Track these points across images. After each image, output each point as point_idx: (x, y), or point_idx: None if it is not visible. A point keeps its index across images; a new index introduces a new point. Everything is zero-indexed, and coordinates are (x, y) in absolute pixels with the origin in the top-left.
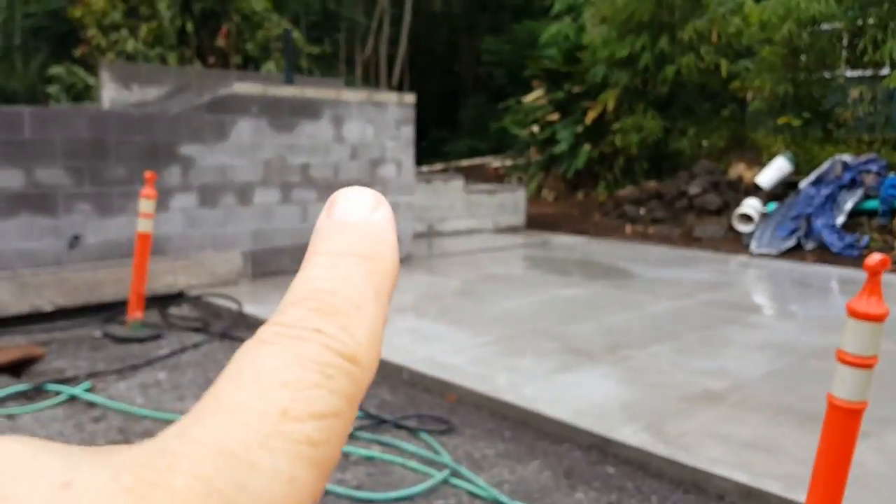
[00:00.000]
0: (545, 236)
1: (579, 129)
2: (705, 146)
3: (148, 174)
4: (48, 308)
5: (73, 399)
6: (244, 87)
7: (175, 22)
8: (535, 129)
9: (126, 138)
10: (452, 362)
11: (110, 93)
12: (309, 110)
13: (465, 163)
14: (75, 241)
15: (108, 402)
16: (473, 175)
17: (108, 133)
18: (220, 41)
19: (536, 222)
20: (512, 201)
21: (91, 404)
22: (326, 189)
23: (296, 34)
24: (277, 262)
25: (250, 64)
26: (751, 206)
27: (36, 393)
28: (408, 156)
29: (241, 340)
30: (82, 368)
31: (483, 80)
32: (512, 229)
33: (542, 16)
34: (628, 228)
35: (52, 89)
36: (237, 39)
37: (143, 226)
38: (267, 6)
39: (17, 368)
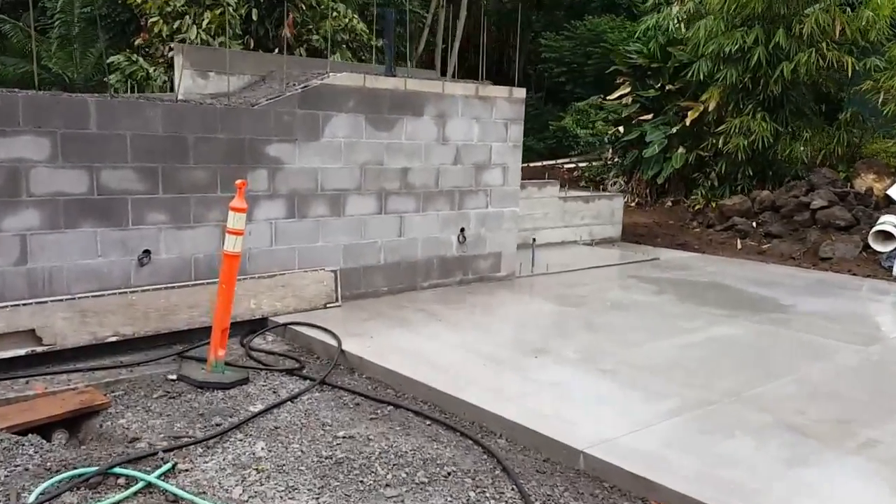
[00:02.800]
0: (647, 250)
1: (673, 130)
2: (822, 153)
3: (239, 182)
4: (112, 339)
5: (148, 487)
6: (341, 77)
7: (240, 10)
8: (621, 129)
9: (207, 135)
10: (642, 446)
11: (186, 82)
12: (410, 106)
13: (531, 164)
14: (146, 257)
15: (199, 501)
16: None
17: (186, 128)
18: (286, 31)
19: (630, 233)
20: (609, 210)
21: (174, 501)
22: (427, 198)
23: (360, 26)
24: (370, 282)
25: (315, 57)
26: (891, 222)
27: (101, 477)
28: (515, 160)
29: (347, 391)
30: (157, 430)
31: (532, 79)
32: (608, 241)
33: (603, 12)
34: (739, 243)
35: (112, 78)
36: (302, 30)
37: (231, 245)
38: None
39: (75, 422)
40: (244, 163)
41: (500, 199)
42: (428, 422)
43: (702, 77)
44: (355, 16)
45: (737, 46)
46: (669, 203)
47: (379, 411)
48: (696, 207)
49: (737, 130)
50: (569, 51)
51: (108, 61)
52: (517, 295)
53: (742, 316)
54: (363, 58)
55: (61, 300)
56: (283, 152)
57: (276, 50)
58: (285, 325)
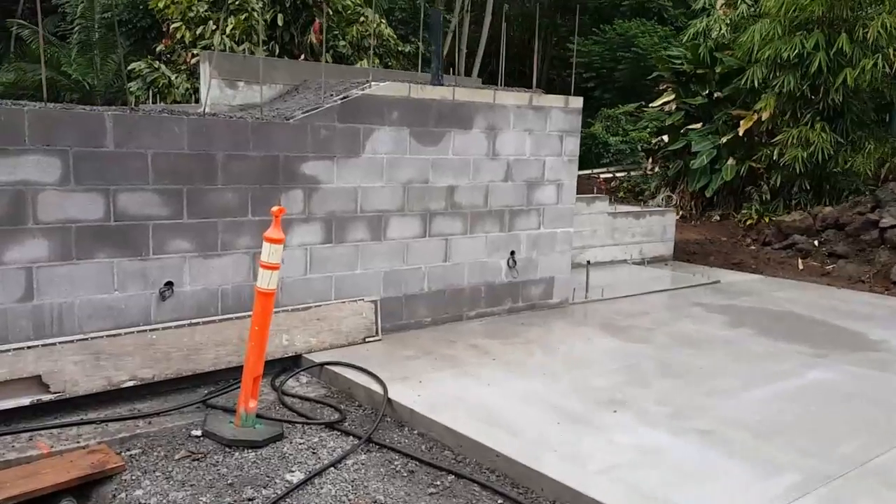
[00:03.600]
0: (703, 271)
1: (723, 140)
2: (887, 166)
3: (276, 209)
4: (129, 383)
5: None
6: (384, 87)
7: (265, 15)
8: (665, 138)
9: (237, 152)
10: None
11: (213, 92)
12: (459, 118)
13: None
14: (168, 290)
15: None
16: (579, 189)
17: (214, 145)
18: (313, 37)
19: (681, 250)
20: (660, 226)
21: None
22: (474, 219)
23: (388, 31)
24: (412, 312)
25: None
26: None
27: None
28: (570, 176)
29: (399, 452)
30: None
31: (557, 84)
32: (659, 260)
33: (632, 16)
34: (800, 264)
35: (133, 85)
36: (328, 36)
37: (266, 281)
38: (359, 0)
39: (84, 489)
40: (277, 183)
41: (553, 219)
42: (500, 500)
43: (756, 84)
44: (382, 21)
45: (795, 52)
46: (717, 217)
47: (439, 482)
48: (749, 222)
49: (794, 141)
50: (597, 55)
51: (129, 68)
52: (575, 327)
53: (833, 356)
54: (389, 64)
55: (72, 341)
56: (321, 171)
57: (302, 56)
58: (322, 364)
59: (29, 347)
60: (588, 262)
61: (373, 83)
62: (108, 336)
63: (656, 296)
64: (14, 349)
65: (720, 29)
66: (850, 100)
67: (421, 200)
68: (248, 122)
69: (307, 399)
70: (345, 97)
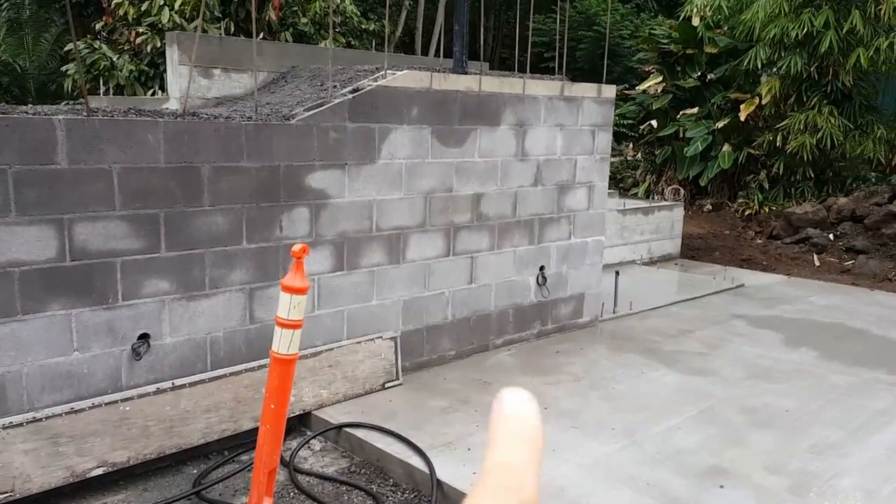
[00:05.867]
0: (716, 271)
1: (718, 125)
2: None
3: (298, 248)
4: (97, 471)
5: None
6: (402, 76)
7: None
8: (654, 123)
9: (227, 164)
10: None
11: (182, 82)
12: (485, 112)
13: None
14: (143, 344)
15: None
16: None
17: (198, 156)
18: (271, 13)
19: (684, 246)
20: (668, 223)
21: None
22: (502, 232)
23: (351, 8)
24: (435, 346)
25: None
26: None
27: None
28: (601, 177)
29: None
30: None
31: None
32: (667, 258)
33: None
34: (816, 259)
35: (70, 68)
36: (287, 12)
37: (286, 343)
38: None
39: None
40: (278, 200)
41: (584, 228)
42: None
43: (759, 65)
44: None
45: (804, 31)
46: (709, 206)
47: None
48: (748, 213)
49: (801, 126)
50: (557, 34)
51: (66, 49)
52: (617, 354)
53: None
54: (352, 44)
55: (21, 424)
56: (330, 182)
57: (261, 36)
58: (339, 427)
59: None
60: (617, 272)
61: (388, 72)
62: (67, 413)
63: (687, 307)
64: None
65: (720, 3)
66: (860, 82)
67: (444, 213)
68: (241, 124)
69: (328, 478)
70: (355, 90)
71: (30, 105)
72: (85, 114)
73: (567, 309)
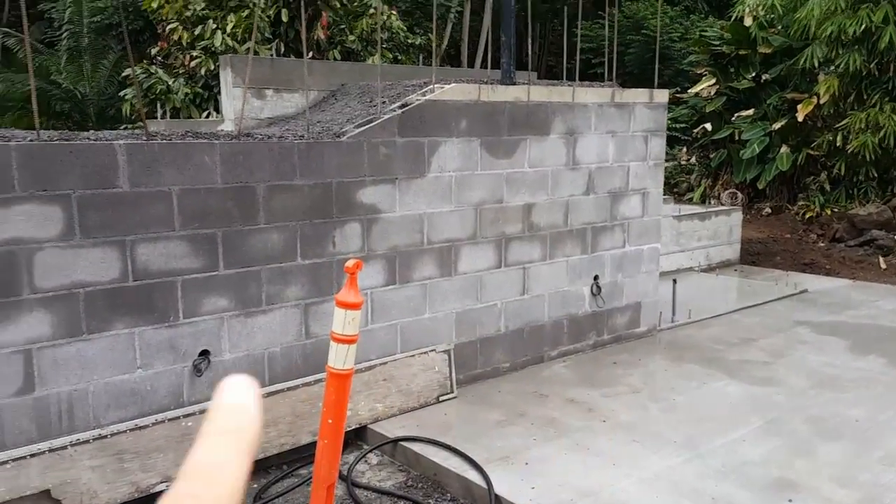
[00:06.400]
0: (779, 276)
1: (775, 126)
2: None
3: (352, 264)
4: (162, 486)
5: None
6: (450, 90)
7: (268, 11)
8: (708, 126)
9: (281, 182)
10: None
11: (236, 104)
12: (534, 122)
13: None
14: (203, 361)
15: None
16: None
17: (254, 175)
18: (320, 33)
19: (744, 251)
20: (726, 227)
21: None
22: (554, 242)
23: (398, 24)
24: (489, 358)
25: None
26: None
27: None
28: (655, 182)
29: None
30: None
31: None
32: (727, 265)
33: None
34: (882, 262)
35: (129, 92)
36: (335, 31)
37: (341, 358)
38: None
39: None
40: (330, 216)
41: (639, 235)
42: None
43: (816, 64)
44: (393, 13)
45: (862, 27)
46: (768, 210)
47: None
48: (808, 216)
49: (862, 125)
50: (605, 40)
51: (124, 74)
52: (677, 365)
53: None
54: (399, 59)
55: (87, 441)
56: (380, 197)
57: (310, 55)
58: (395, 441)
59: (33, 455)
60: (674, 280)
61: (435, 86)
62: (131, 430)
63: (748, 314)
64: (14, 459)
65: (773, 3)
66: None
67: (495, 224)
68: (293, 143)
69: (385, 493)
70: (404, 105)
71: (91, 130)
72: (144, 138)
73: (623, 319)
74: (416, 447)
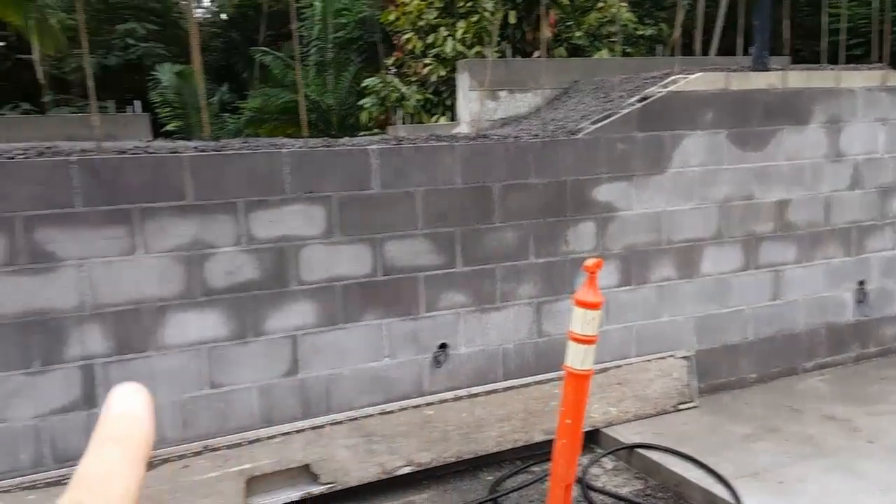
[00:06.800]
0: None
1: None
2: None
3: (592, 263)
4: (405, 470)
5: None
6: (694, 80)
7: (496, 15)
8: None
9: (516, 181)
10: None
11: (472, 106)
12: (791, 111)
13: None
14: (442, 353)
15: None
16: None
17: (490, 175)
18: (546, 31)
19: None
20: None
21: None
22: (812, 242)
23: (627, 15)
24: (733, 368)
25: (577, 56)
26: None
27: None
28: None
29: None
30: None
31: (803, 55)
32: None
33: None
34: None
35: (367, 102)
36: (561, 28)
37: (579, 359)
38: None
39: None
40: (564, 215)
41: None
42: None
43: None
44: (622, 4)
45: None
46: None
47: None
48: None
49: None
50: (863, 18)
51: (363, 84)
52: None
53: None
54: (628, 51)
55: (341, 422)
56: (616, 195)
57: (536, 54)
58: (631, 447)
59: (298, 431)
60: None
61: (679, 76)
62: (379, 414)
63: None
64: (281, 434)
65: None
66: None
67: (742, 223)
68: (528, 142)
69: (623, 498)
70: (644, 99)
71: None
72: (394, 143)
73: (893, 330)
74: (654, 455)
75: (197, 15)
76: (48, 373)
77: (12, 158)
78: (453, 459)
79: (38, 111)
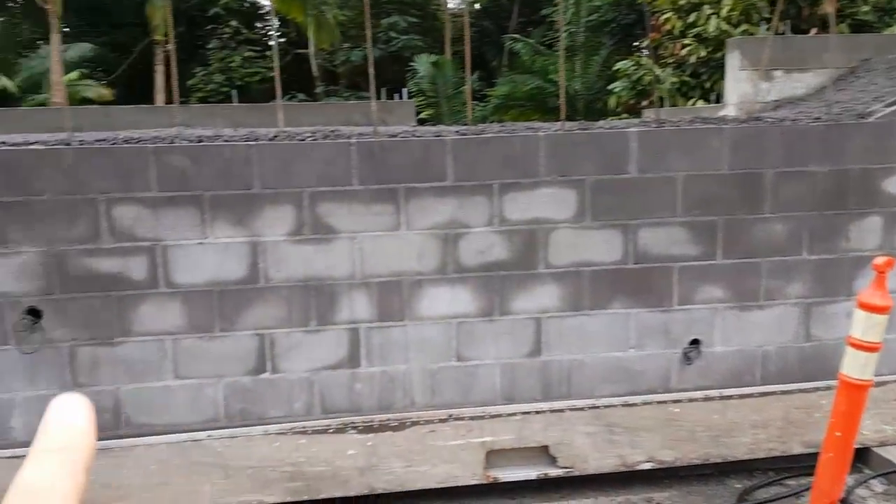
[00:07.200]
0: None
1: None
2: None
3: (882, 262)
4: (646, 465)
5: None
6: None
7: None
8: None
9: (791, 169)
10: None
11: (742, 87)
12: None
13: None
14: (693, 350)
15: None
16: None
17: (762, 161)
18: (827, 7)
19: None
20: None
21: None
22: None
23: None
24: None
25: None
26: None
27: None
28: None
29: None
30: None
31: None
32: None
33: None
34: None
35: (617, 86)
36: (844, 2)
37: (859, 367)
38: None
39: None
40: (845, 207)
41: None
42: None
43: None
44: None
45: None
46: None
47: None
48: None
49: None
50: None
51: (614, 68)
52: None
53: None
54: None
55: (582, 408)
56: None
57: (814, 31)
58: None
59: (537, 412)
60: None
61: None
62: (622, 406)
63: None
64: (521, 413)
65: None
66: None
67: None
68: (808, 126)
69: None
70: None
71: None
72: (654, 125)
73: None
74: None
75: (452, 6)
76: (321, 332)
77: (303, 140)
78: (698, 461)
79: (311, 101)
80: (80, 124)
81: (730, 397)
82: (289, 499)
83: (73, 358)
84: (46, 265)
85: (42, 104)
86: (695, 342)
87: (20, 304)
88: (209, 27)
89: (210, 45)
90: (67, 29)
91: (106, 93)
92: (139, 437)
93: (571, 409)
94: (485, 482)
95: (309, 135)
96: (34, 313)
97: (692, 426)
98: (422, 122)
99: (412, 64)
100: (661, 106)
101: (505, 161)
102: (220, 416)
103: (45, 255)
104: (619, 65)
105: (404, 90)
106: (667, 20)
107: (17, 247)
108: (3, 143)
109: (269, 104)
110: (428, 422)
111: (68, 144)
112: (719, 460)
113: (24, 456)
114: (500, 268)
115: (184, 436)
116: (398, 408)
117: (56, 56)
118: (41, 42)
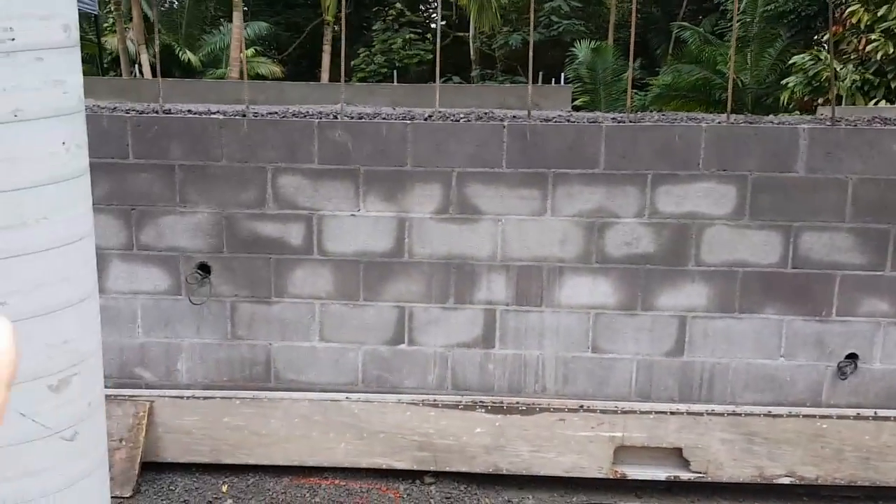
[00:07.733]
0: None
1: None
2: None
3: None
4: (785, 480)
5: None
6: None
7: None
8: None
9: None
10: None
11: None
12: None
13: None
14: (849, 365)
15: None
16: None
17: None
18: None
19: None
20: None
21: None
22: None
23: None
24: None
25: None
26: None
27: None
28: None
29: None
30: None
31: None
32: None
33: None
34: None
35: (792, 80)
36: None
37: None
38: None
39: None
40: None
41: None
42: None
43: None
44: None
45: None
46: None
47: None
48: None
49: None
50: None
51: (791, 62)
52: None
53: None
54: None
55: (721, 414)
56: None
57: None
58: None
59: (672, 413)
60: None
61: None
62: (764, 415)
63: None
64: (656, 412)
65: None
66: None
67: None
68: None
69: None
70: None
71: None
72: (828, 123)
73: None
74: None
75: None
76: (458, 310)
77: (457, 121)
78: (843, 482)
79: (467, 84)
80: (254, 98)
81: (886, 419)
82: (415, 467)
83: (234, 312)
84: (217, 225)
85: (220, 78)
86: (851, 356)
87: (193, 260)
88: (375, 9)
89: (374, 27)
90: (246, 8)
91: (277, 70)
92: (286, 391)
93: (710, 414)
94: (611, 477)
95: (462, 116)
96: (204, 269)
97: (840, 445)
98: (577, 108)
99: (572, 49)
100: (839, 104)
101: (661, 151)
102: (357, 381)
103: (217, 216)
104: (794, 59)
105: (561, 75)
106: (853, 13)
107: (194, 206)
108: (189, 111)
109: (427, 85)
110: (558, 409)
111: (244, 115)
112: (867, 484)
113: (190, 397)
114: (646, 261)
115: (325, 395)
116: (528, 392)
117: (237, 34)
118: (223, 19)
